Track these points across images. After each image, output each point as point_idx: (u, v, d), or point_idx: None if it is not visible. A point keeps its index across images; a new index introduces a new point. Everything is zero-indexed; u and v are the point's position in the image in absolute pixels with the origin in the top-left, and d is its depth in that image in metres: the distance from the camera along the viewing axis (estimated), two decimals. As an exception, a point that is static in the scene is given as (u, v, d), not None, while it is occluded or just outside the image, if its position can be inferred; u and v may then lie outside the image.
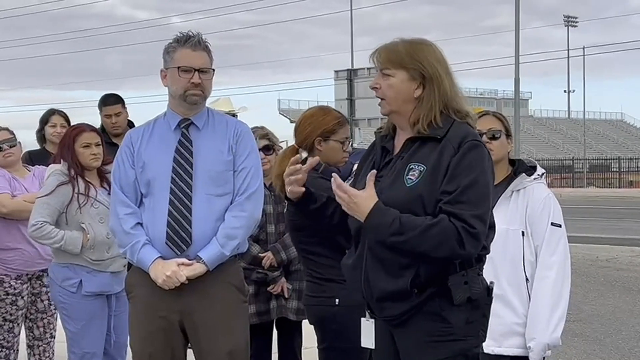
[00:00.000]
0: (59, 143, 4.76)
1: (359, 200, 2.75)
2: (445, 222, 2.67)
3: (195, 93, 3.55)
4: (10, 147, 5.11)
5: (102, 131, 5.75)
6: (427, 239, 2.67)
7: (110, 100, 6.03)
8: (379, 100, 2.89)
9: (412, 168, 2.77)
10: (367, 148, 3.11)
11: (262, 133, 4.78)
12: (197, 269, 3.50)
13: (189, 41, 3.56)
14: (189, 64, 3.53)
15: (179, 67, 3.54)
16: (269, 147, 4.77)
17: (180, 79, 3.54)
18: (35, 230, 4.43)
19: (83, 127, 4.66)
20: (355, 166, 3.27)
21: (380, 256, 2.78)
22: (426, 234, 2.67)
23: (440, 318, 2.77)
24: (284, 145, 5.48)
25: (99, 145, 4.59)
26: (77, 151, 4.54)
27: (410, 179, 2.75)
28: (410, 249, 2.70)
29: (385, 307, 2.81)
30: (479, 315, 2.83)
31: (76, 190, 4.48)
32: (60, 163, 4.59)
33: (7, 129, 5.20)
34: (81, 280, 4.47)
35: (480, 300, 2.81)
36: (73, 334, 4.55)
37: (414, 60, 2.82)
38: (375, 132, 3.05)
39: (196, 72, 3.54)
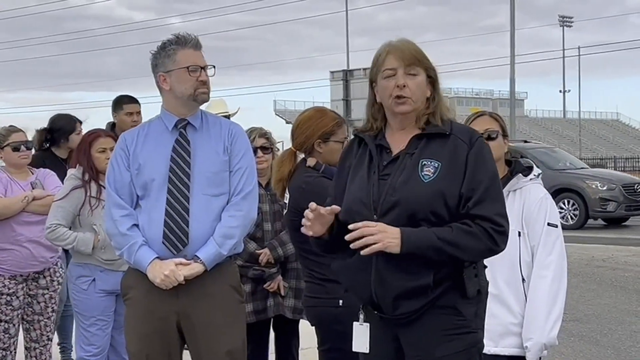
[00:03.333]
0: (76, 148, 4.93)
1: (382, 227, 2.73)
2: (475, 228, 2.73)
3: (204, 91, 3.61)
4: (27, 149, 5.17)
5: (112, 129, 5.86)
6: (466, 249, 2.73)
7: (131, 99, 6.20)
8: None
9: (426, 164, 2.78)
10: (345, 147, 3.06)
11: (261, 132, 4.81)
12: (195, 268, 3.51)
13: (190, 42, 3.60)
14: (195, 63, 3.58)
15: (188, 67, 3.56)
16: (267, 147, 4.79)
17: (191, 79, 3.57)
18: (49, 233, 4.64)
19: (99, 133, 4.87)
20: None
21: (395, 255, 2.74)
22: (463, 242, 2.72)
23: (455, 311, 2.80)
24: (280, 146, 5.48)
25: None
26: (93, 156, 4.73)
27: (427, 175, 2.76)
28: (448, 258, 2.74)
29: (402, 304, 2.78)
30: (483, 308, 2.90)
31: (88, 194, 4.66)
32: (76, 167, 4.77)
33: (22, 131, 5.25)
34: (94, 279, 4.68)
35: (484, 294, 2.88)
36: (82, 329, 4.74)
37: (427, 61, 2.89)
38: (355, 133, 2.99)
39: (202, 70, 3.59)
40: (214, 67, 3.66)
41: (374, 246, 2.70)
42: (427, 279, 2.74)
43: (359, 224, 2.72)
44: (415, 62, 2.84)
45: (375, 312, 2.87)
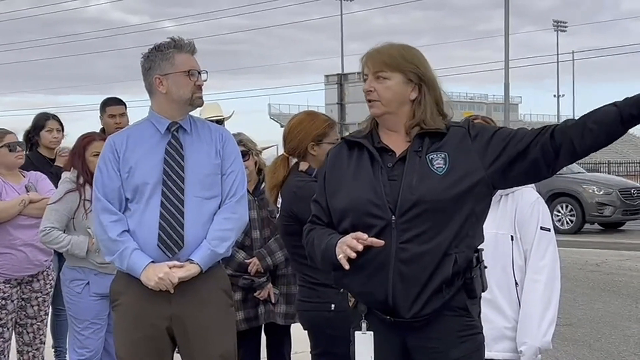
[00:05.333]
0: (70, 151, 4.92)
1: None
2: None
3: (200, 95, 3.63)
4: (22, 149, 5.18)
5: (102, 133, 5.83)
6: None
7: (115, 101, 6.18)
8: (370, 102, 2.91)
9: (434, 158, 2.80)
10: (333, 152, 3.04)
11: (237, 140, 4.79)
12: (192, 269, 3.50)
13: (188, 46, 3.61)
14: (192, 67, 3.59)
15: (188, 71, 3.57)
16: (245, 153, 4.78)
17: (189, 83, 3.58)
18: (44, 236, 4.64)
19: (93, 136, 4.86)
20: None
21: (416, 253, 2.74)
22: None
23: (466, 312, 2.82)
24: (273, 150, 5.48)
25: None
26: (87, 159, 4.72)
27: (440, 167, 2.78)
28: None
29: (425, 305, 2.76)
30: (480, 308, 2.92)
31: (83, 197, 4.66)
32: (70, 171, 4.77)
33: (13, 133, 5.25)
34: (88, 282, 4.68)
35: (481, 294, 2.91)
36: (76, 332, 4.74)
37: (409, 63, 2.88)
38: (346, 138, 2.99)
39: (199, 75, 3.60)
40: (207, 72, 3.67)
41: None
42: (447, 272, 2.74)
43: None
44: (384, 67, 2.86)
45: (388, 316, 2.82)
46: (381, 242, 2.72)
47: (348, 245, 2.73)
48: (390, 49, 2.90)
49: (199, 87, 3.60)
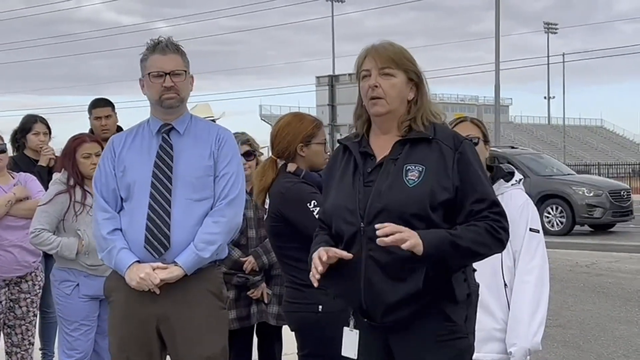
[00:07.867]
0: (61, 153, 4.91)
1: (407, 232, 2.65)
2: (485, 225, 2.73)
3: (169, 97, 3.58)
4: (0, 152, 5.12)
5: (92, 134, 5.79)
6: (477, 241, 2.71)
7: (101, 103, 6.11)
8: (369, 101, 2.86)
9: (410, 169, 2.76)
10: (332, 155, 3.06)
11: (243, 139, 4.79)
12: (175, 272, 3.50)
13: (158, 46, 3.59)
14: (159, 68, 3.56)
15: (149, 73, 3.57)
16: (250, 153, 4.78)
17: (154, 85, 3.57)
18: (34, 237, 4.63)
19: (84, 138, 4.85)
20: None
21: (383, 261, 2.72)
22: (472, 236, 2.71)
23: (446, 317, 2.79)
24: (265, 151, 5.48)
25: (99, 155, 4.67)
26: (77, 161, 4.72)
27: (412, 179, 2.75)
28: (464, 255, 2.73)
29: (392, 312, 2.75)
30: (473, 312, 2.89)
31: (73, 199, 4.65)
32: (61, 172, 4.75)
33: None
34: (78, 284, 4.66)
35: (474, 297, 2.88)
36: (65, 334, 4.73)
37: (409, 62, 2.87)
38: (340, 141, 3.00)
39: (167, 76, 3.55)
40: (186, 72, 3.60)
41: (408, 243, 2.60)
42: (417, 284, 2.71)
43: (386, 224, 2.64)
44: (391, 64, 2.83)
45: (365, 319, 2.84)
46: (349, 255, 2.73)
47: (313, 263, 2.77)
48: (393, 46, 2.89)
49: (166, 89, 3.56)
